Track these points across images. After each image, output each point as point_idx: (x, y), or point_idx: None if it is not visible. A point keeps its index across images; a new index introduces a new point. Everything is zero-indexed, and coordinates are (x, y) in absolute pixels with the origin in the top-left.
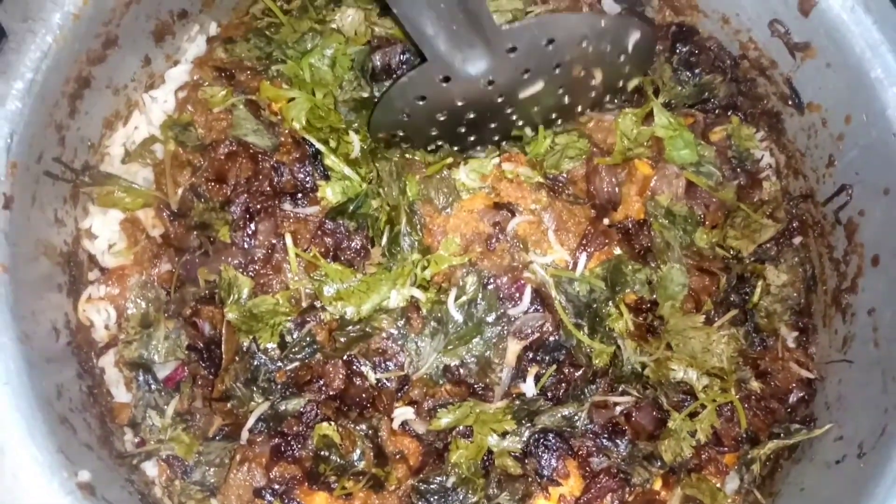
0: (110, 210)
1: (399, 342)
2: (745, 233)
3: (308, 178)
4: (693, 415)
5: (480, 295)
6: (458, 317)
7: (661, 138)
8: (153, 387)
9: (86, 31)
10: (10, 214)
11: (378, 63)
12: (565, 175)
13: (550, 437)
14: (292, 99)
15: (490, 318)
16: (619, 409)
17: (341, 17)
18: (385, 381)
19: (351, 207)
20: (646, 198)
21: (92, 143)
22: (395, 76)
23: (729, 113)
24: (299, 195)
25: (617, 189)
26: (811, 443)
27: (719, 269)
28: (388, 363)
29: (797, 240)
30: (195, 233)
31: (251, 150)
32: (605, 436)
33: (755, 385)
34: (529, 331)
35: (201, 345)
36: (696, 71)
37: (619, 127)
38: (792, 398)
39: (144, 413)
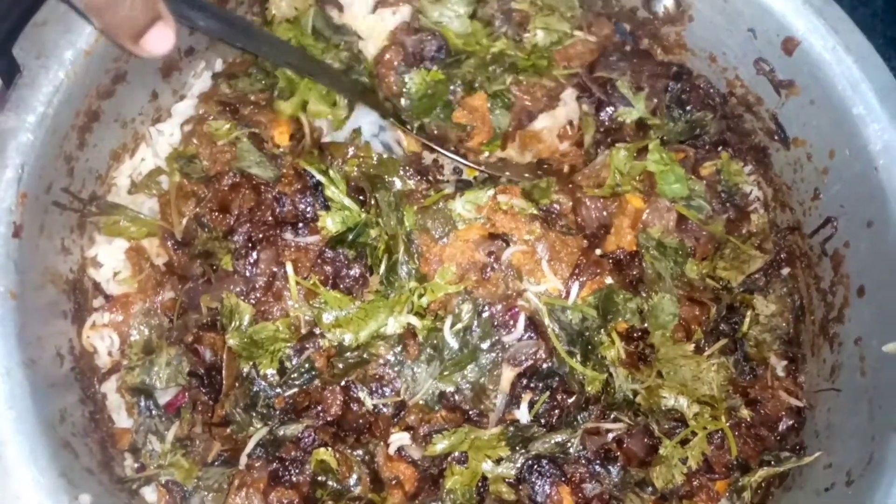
0: (116, 239)
1: (396, 368)
2: (734, 264)
3: (309, 209)
4: (684, 442)
5: (475, 322)
6: (454, 344)
7: (653, 173)
8: (154, 412)
9: (96, 67)
10: (20, 243)
11: (410, 48)
12: (558, 206)
13: (544, 464)
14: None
15: (485, 346)
16: (611, 435)
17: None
18: (382, 406)
19: (350, 236)
20: (638, 230)
21: (99, 174)
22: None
23: (719, 149)
24: (300, 225)
25: (605, 214)
26: (801, 470)
27: (709, 299)
28: (384, 389)
29: (785, 270)
30: (199, 261)
31: (254, 182)
32: (598, 462)
33: (745, 413)
34: (523, 358)
35: (202, 371)
36: (688, 108)
37: (612, 161)
38: (782, 426)
39: (145, 438)
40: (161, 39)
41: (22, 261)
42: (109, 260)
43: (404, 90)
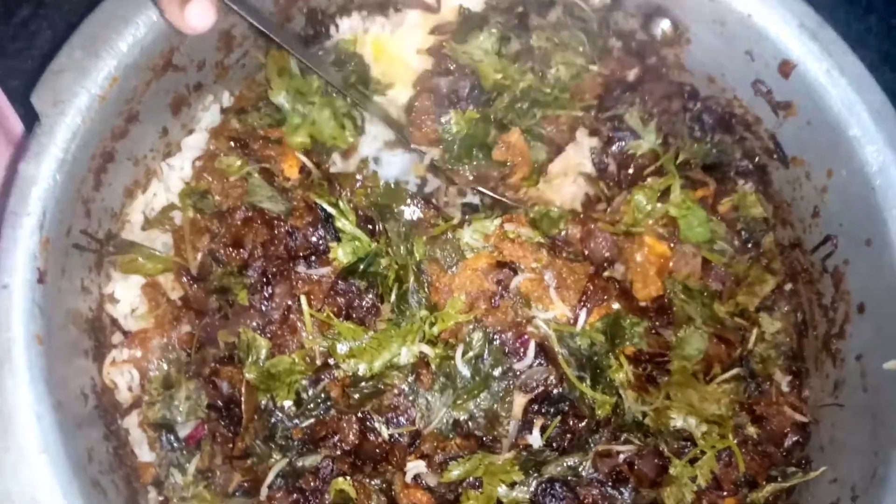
0: (132, 275)
1: (410, 398)
2: (750, 289)
3: (321, 241)
4: (693, 461)
5: (486, 350)
6: (466, 372)
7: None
8: (175, 446)
9: (111, 110)
10: (44, 288)
11: (445, 90)
12: (564, 234)
13: (557, 487)
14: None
15: (496, 373)
16: (622, 457)
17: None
18: (398, 436)
19: (361, 266)
20: (664, 277)
21: (114, 212)
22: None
23: (741, 182)
24: (312, 257)
25: (616, 250)
26: (808, 485)
27: (738, 340)
28: (400, 419)
29: (788, 286)
30: (214, 296)
31: (266, 216)
32: (610, 484)
33: (752, 430)
34: (534, 384)
35: (221, 403)
36: (709, 127)
37: (632, 201)
38: (787, 442)
39: (168, 471)
40: (200, 14)
41: (46, 305)
42: (126, 296)
43: (445, 135)
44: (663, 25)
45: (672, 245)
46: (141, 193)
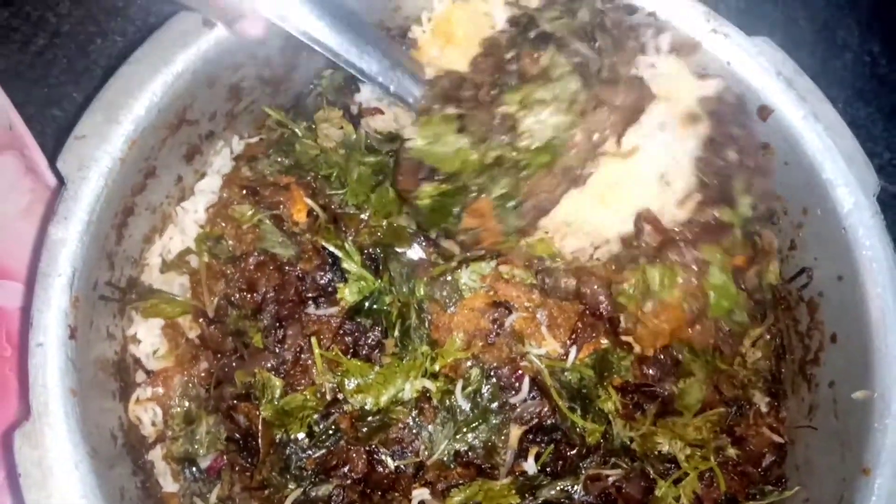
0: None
1: (414, 431)
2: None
3: (329, 284)
4: (677, 481)
5: (484, 385)
6: (466, 406)
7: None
8: (197, 476)
9: (131, 170)
10: (75, 343)
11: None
12: (552, 280)
13: None
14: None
15: (494, 406)
16: (611, 479)
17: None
18: (403, 466)
19: (367, 305)
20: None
21: (134, 259)
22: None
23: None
24: (321, 298)
25: (610, 309)
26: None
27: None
28: (405, 451)
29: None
30: (230, 338)
31: (278, 261)
32: None
33: (732, 452)
34: (529, 416)
35: (239, 436)
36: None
37: (644, 278)
38: (765, 461)
39: (191, 500)
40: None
41: (78, 358)
42: (148, 337)
43: (417, 202)
44: None
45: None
46: (158, 238)
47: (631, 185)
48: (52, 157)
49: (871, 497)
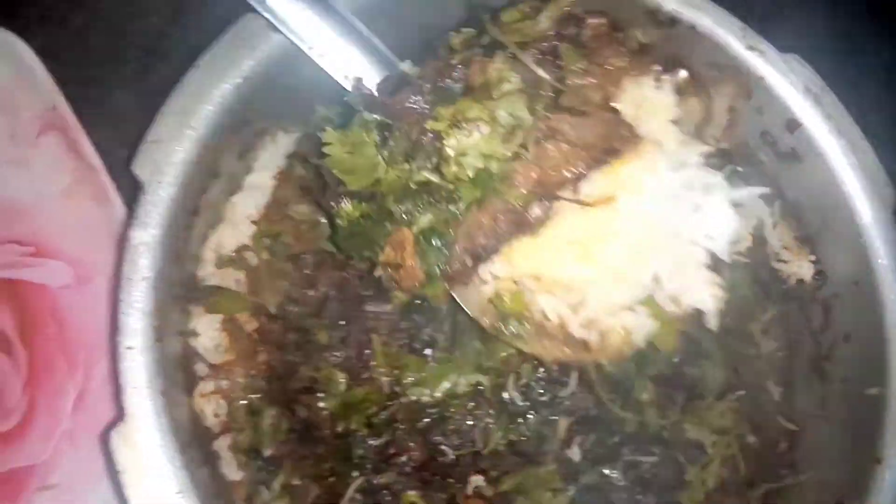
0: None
1: (470, 422)
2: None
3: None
4: (704, 466)
5: (534, 379)
6: (518, 399)
7: None
8: (261, 465)
9: (201, 172)
10: (161, 345)
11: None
12: None
13: (593, 493)
14: None
15: (544, 399)
16: (646, 465)
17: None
18: (460, 456)
19: (420, 303)
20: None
21: (196, 257)
22: None
23: None
24: (377, 296)
25: None
26: (799, 487)
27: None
28: (462, 441)
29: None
30: (291, 334)
31: (337, 259)
32: (637, 490)
33: (751, 439)
34: (576, 409)
35: (300, 427)
36: None
37: None
38: (779, 447)
39: (255, 489)
40: None
41: (163, 359)
42: (208, 331)
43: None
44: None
45: None
46: (213, 234)
47: (629, 243)
48: (92, 137)
49: (884, 482)
